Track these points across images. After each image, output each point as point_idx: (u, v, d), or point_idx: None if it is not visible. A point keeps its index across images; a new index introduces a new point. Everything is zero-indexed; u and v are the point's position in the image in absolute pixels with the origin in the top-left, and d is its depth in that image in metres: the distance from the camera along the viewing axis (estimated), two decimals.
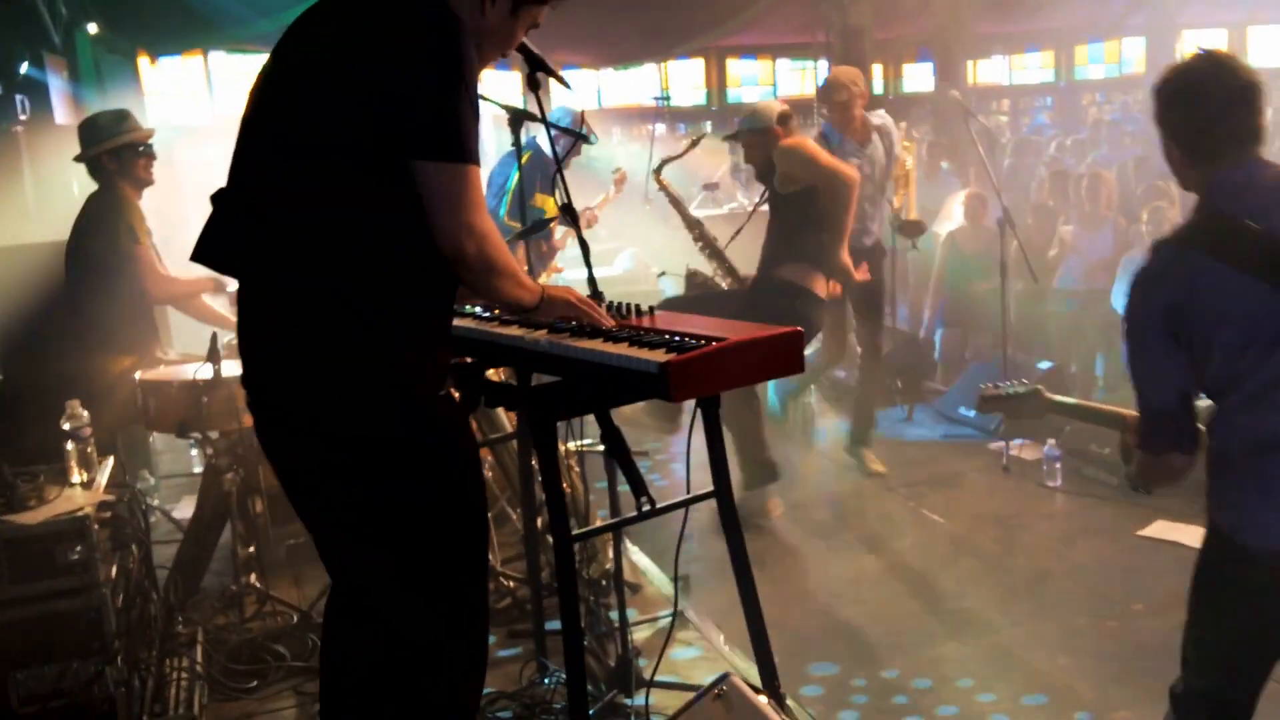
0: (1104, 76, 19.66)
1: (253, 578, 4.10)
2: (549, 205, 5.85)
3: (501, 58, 2.45)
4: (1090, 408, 2.94)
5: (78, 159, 4.57)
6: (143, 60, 9.66)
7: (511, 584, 4.18)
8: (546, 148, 5.80)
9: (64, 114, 7.19)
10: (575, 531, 2.52)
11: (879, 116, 5.94)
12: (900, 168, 6.19)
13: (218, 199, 2.27)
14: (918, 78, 17.60)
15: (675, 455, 6.43)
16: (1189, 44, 18.73)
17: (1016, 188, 9.08)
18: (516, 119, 4.04)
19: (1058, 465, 5.62)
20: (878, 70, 14.12)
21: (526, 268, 4.02)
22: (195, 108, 11.99)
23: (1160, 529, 4.95)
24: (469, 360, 2.83)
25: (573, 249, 3.46)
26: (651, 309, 2.69)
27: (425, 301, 2.20)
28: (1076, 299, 7.13)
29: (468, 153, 2.11)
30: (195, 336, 5.02)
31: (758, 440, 5.27)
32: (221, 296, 4.64)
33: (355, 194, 2.10)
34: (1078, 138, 12.31)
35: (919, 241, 7.15)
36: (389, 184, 2.09)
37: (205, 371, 3.78)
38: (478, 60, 2.25)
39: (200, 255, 2.27)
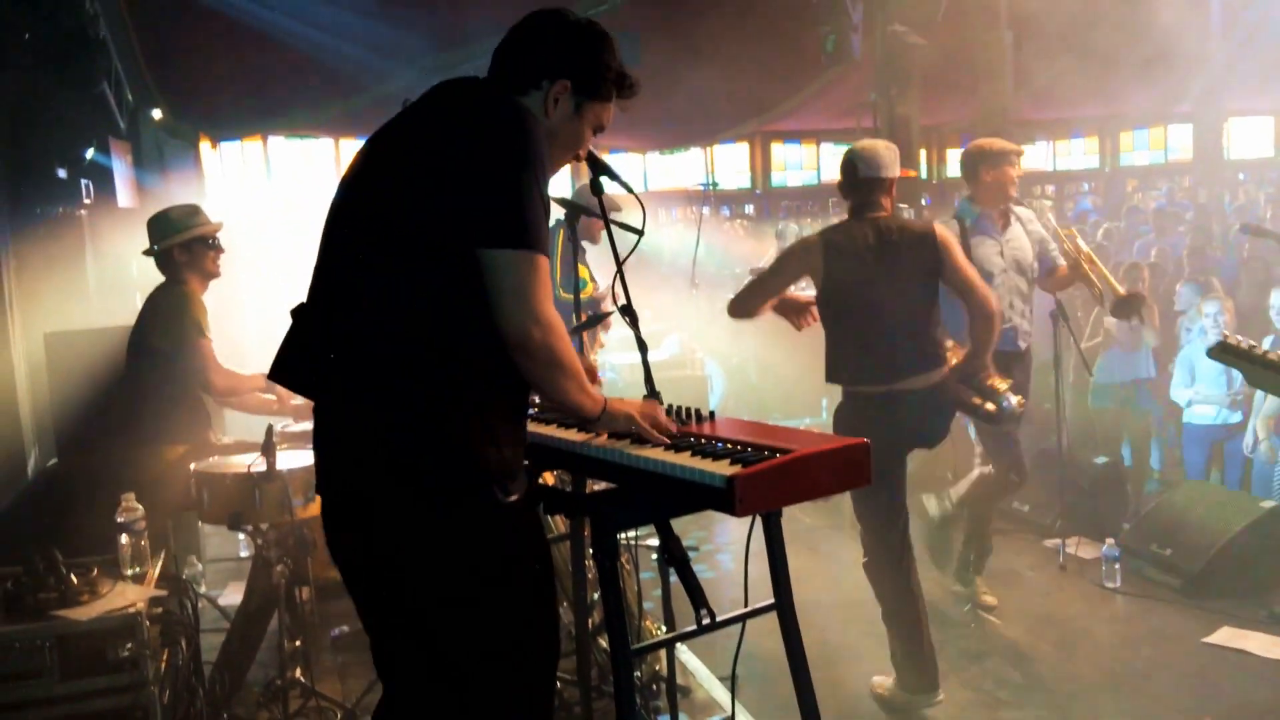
0: (1149, 163, 19.63)
1: (298, 672, 4.05)
2: (585, 274, 5.94)
3: (573, 160, 2.49)
4: None
5: (148, 252, 4.66)
6: (204, 144, 9.92)
7: (559, 684, 4.09)
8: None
9: (126, 197, 7.37)
10: (634, 646, 2.46)
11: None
12: (1069, 245, 5.22)
13: (298, 314, 2.29)
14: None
15: (721, 545, 6.35)
16: (1236, 131, 18.72)
17: None
18: (573, 213, 4.08)
19: (1116, 566, 5.46)
20: (923, 155, 14.16)
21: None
22: (255, 191, 12.27)
23: (1226, 636, 4.79)
24: (525, 462, 2.81)
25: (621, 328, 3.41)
26: (712, 414, 2.65)
27: (500, 400, 2.20)
28: (1122, 391, 7.01)
29: (537, 241, 2.13)
30: (246, 419, 5.07)
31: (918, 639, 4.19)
32: (275, 390, 4.67)
33: (429, 291, 2.12)
34: (1117, 224, 12.24)
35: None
36: (462, 278, 2.10)
37: (259, 464, 3.78)
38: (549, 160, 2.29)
39: (278, 374, 2.29)
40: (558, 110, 2.35)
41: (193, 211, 4.68)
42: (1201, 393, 6.37)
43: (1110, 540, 5.57)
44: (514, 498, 2.24)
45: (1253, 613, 4.96)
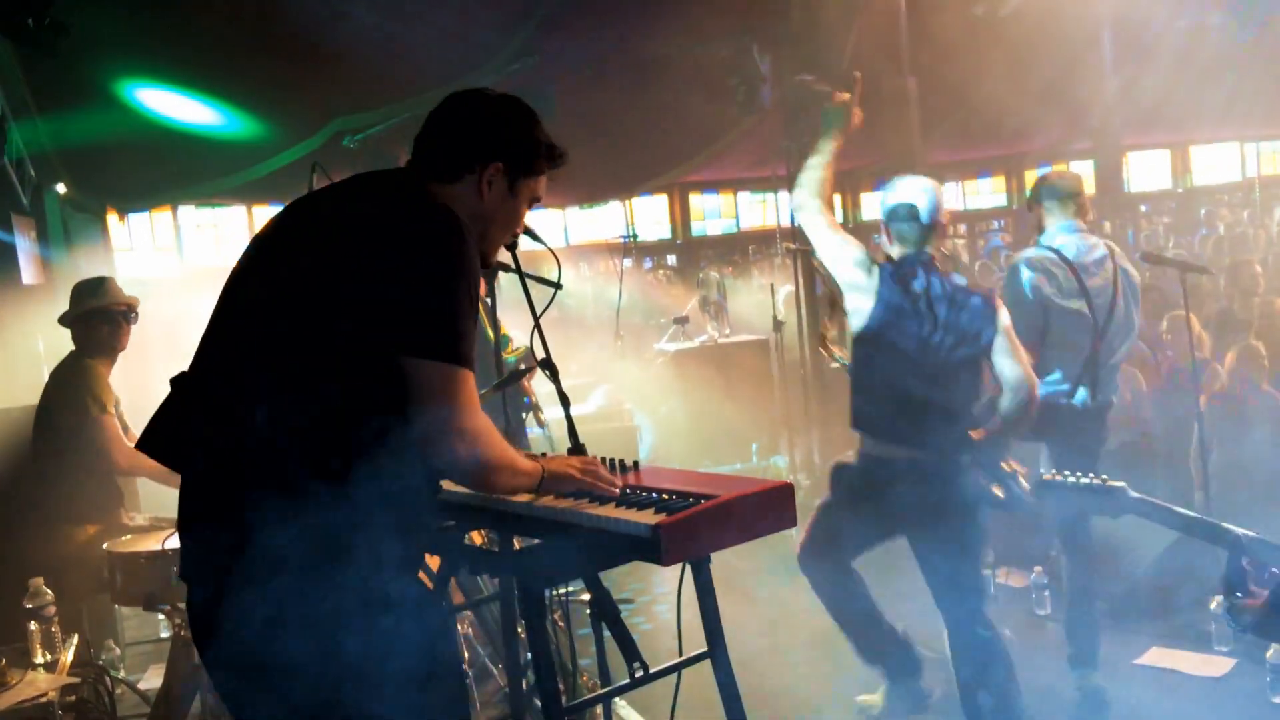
0: None
1: None
2: (505, 332, 5.88)
3: (512, 239, 2.45)
4: (1192, 516, 2.55)
5: (62, 319, 4.57)
6: (111, 217, 9.73)
7: None
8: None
9: (30, 274, 7.18)
10: (567, 704, 2.42)
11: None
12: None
13: (177, 383, 2.18)
14: (876, 206, 18.03)
15: (658, 596, 6.30)
16: (1135, 164, 19.42)
17: None
18: (490, 270, 4.06)
19: (1046, 593, 5.53)
20: (838, 200, 14.45)
21: (504, 423, 3.98)
22: (165, 261, 12.05)
23: (1156, 656, 4.86)
24: (450, 524, 2.76)
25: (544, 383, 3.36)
26: (636, 463, 2.64)
27: (394, 513, 2.06)
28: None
29: (467, 357, 2.05)
30: (164, 496, 4.92)
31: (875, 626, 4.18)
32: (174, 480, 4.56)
33: (333, 389, 2.00)
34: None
35: None
36: (373, 382, 2.00)
37: (174, 541, 3.66)
38: (489, 248, 2.27)
39: (148, 444, 2.16)
40: (492, 192, 2.30)
41: (97, 285, 4.61)
42: None
43: (1038, 568, 5.64)
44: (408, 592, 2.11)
45: (1180, 632, 5.04)
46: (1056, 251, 4.29)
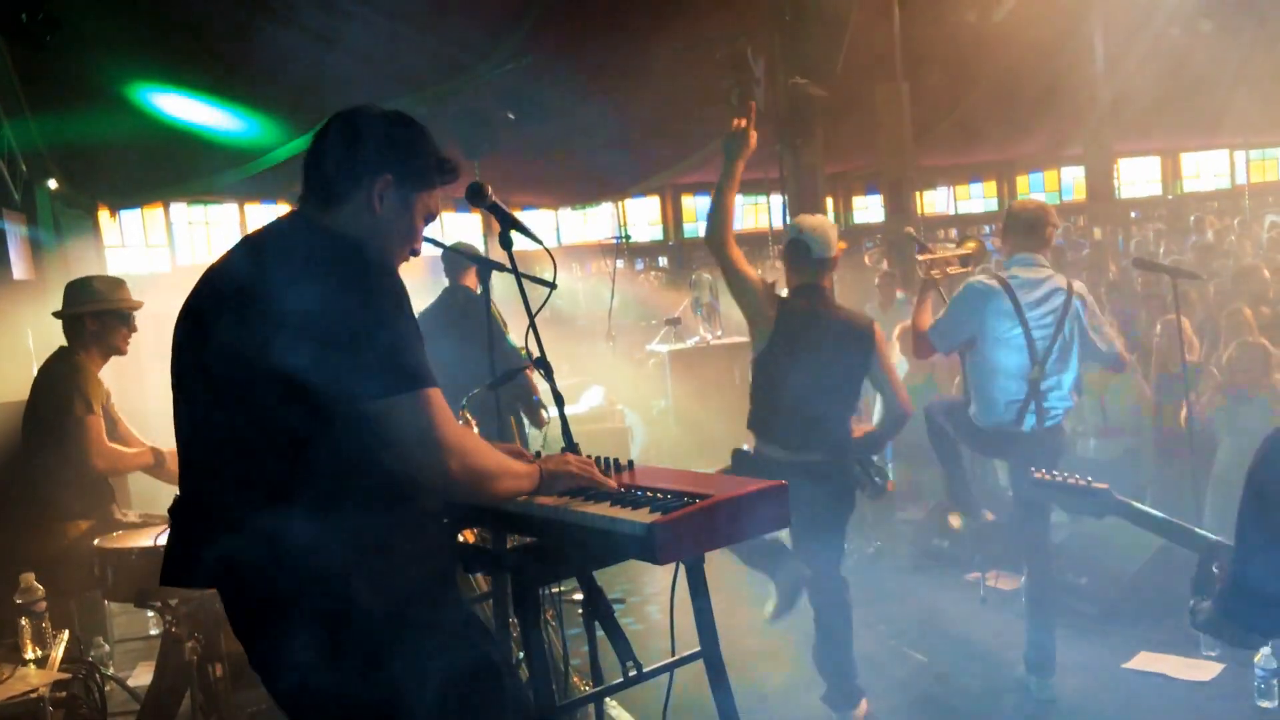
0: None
1: None
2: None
3: (410, 254, 2.38)
4: (1170, 522, 2.63)
5: (58, 314, 4.54)
6: (103, 213, 9.71)
7: None
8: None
9: (21, 269, 7.15)
10: (560, 703, 2.42)
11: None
12: None
13: (173, 512, 2.21)
14: (868, 209, 18.10)
15: (649, 597, 6.30)
16: (1126, 171, 19.51)
17: None
18: (485, 268, 4.07)
19: None
20: (830, 204, 14.49)
21: (497, 423, 3.98)
22: (156, 258, 12.01)
23: (1145, 660, 4.88)
24: (444, 521, 2.76)
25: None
26: (630, 463, 2.64)
27: (413, 532, 2.13)
28: None
29: (418, 378, 2.04)
30: (156, 492, 4.92)
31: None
32: (163, 469, 4.55)
33: (316, 451, 2.02)
34: None
35: None
36: (351, 431, 2.01)
37: (165, 536, 3.65)
38: (389, 263, 2.23)
39: (169, 579, 2.20)
40: (385, 205, 2.25)
41: (117, 284, 4.61)
42: (1085, 427, 6.60)
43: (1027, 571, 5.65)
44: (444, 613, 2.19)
45: (1169, 636, 5.06)
46: (1004, 281, 4.51)
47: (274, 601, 2.07)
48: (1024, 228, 4.62)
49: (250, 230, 2.33)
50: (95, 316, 4.49)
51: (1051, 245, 4.74)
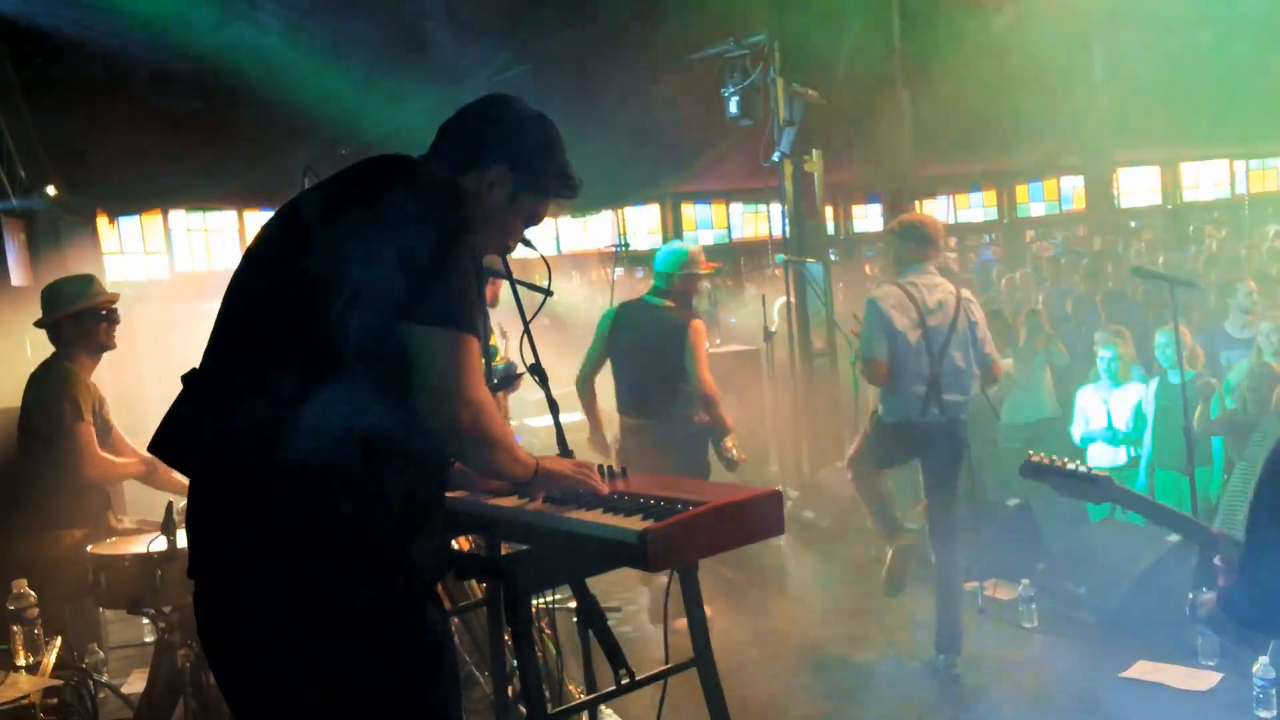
0: (1045, 213, 20.32)
1: None
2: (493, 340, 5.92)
3: (500, 250, 2.42)
4: (1170, 511, 2.63)
5: (38, 324, 4.51)
6: (101, 220, 9.71)
7: None
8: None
9: (20, 276, 7.16)
10: (552, 710, 2.41)
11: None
12: None
13: (189, 382, 2.15)
14: (868, 218, 18.09)
15: (645, 605, 6.28)
16: (1125, 180, 19.53)
17: None
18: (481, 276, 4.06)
19: (1033, 606, 5.54)
20: (829, 212, 14.50)
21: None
22: (155, 265, 12.00)
23: (1142, 670, 4.86)
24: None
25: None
26: (624, 470, 2.63)
27: (417, 483, 2.08)
28: (1027, 431, 7.22)
29: (470, 322, 2.02)
30: (153, 500, 4.90)
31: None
32: (155, 478, 4.51)
33: (341, 372, 1.98)
34: (1016, 274, 12.61)
35: None
36: (379, 355, 1.98)
37: (159, 543, 3.64)
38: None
39: (160, 448, 2.14)
40: (492, 195, 2.27)
41: (85, 282, 4.53)
42: (1090, 431, 6.60)
43: (1025, 581, 5.64)
44: (415, 586, 2.10)
45: (1166, 645, 5.04)
46: (905, 289, 5.00)
47: (247, 488, 2.01)
48: (917, 240, 5.12)
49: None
50: (71, 320, 4.45)
51: (942, 255, 5.31)
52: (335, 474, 1.97)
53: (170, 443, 2.13)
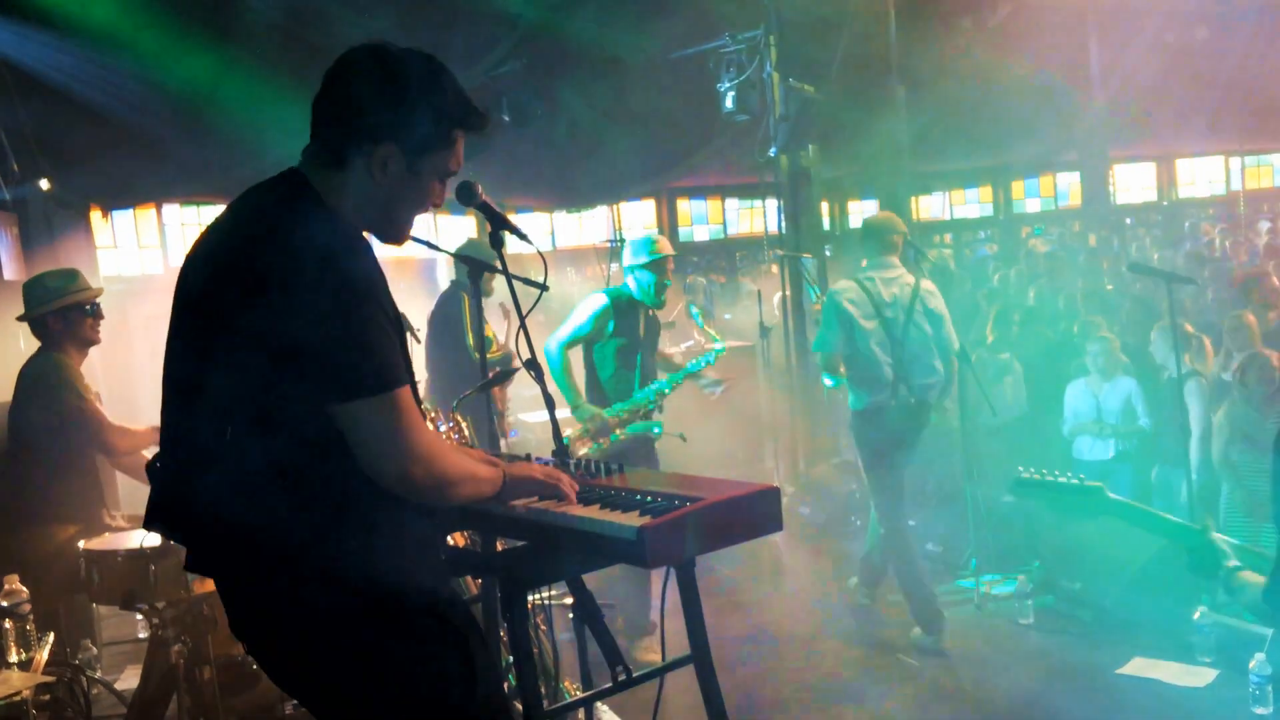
0: (1040, 210, 20.33)
1: None
2: (489, 332, 5.92)
3: (430, 210, 2.25)
4: (1165, 518, 2.63)
5: (21, 318, 4.48)
6: (95, 214, 9.66)
7: None
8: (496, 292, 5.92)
9: (13, 270, 7.12)
10: (548, 707, 2.39)
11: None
12: None
13: (150, 469, 2.17)
14: (863, 214, 18.05)
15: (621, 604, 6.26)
16: (1121, 176, 19.54)
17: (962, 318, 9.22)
18: (476, 270, 4.05)
19: (1029, 602, 5.53)
20: (825, 208, 14.50)
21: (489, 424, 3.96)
22: (149, 260, 11.96)
23: (1139, 666, 4.86)
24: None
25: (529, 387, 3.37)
26: (620, 466, 2.62)
27: (389, 526, 2.06)
28: (1016, 428, 7.24)
29: (389, 380, 1.96)
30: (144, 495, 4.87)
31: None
32: None
33: (292, 438, 1.96)
34: (1009, 270, 12.61)
35: None
36: (313, 422, 1.96)
37: (152, 539, 3.62)
38: (396, 230, 2.17)
39: (151, 524, 2.20)
40: (388, 175, 2.08)
41: (69, 276, 4.50)
42: (1078, 427, 6.60)
43: (1022, 577, 5.64)
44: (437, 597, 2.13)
45: (1163, 642, 5.04)
46: (861, 283, 5.37)
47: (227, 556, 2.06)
48: (876, 237, 5.51)
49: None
50: (56, 315, 4.42)
51: (900, 249, 5.54)
52: (299, 530, 1.99)
53: (159, 519, 2.17)
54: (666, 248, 5.34)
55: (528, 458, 2.52)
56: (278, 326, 1.92)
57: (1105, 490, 2.60)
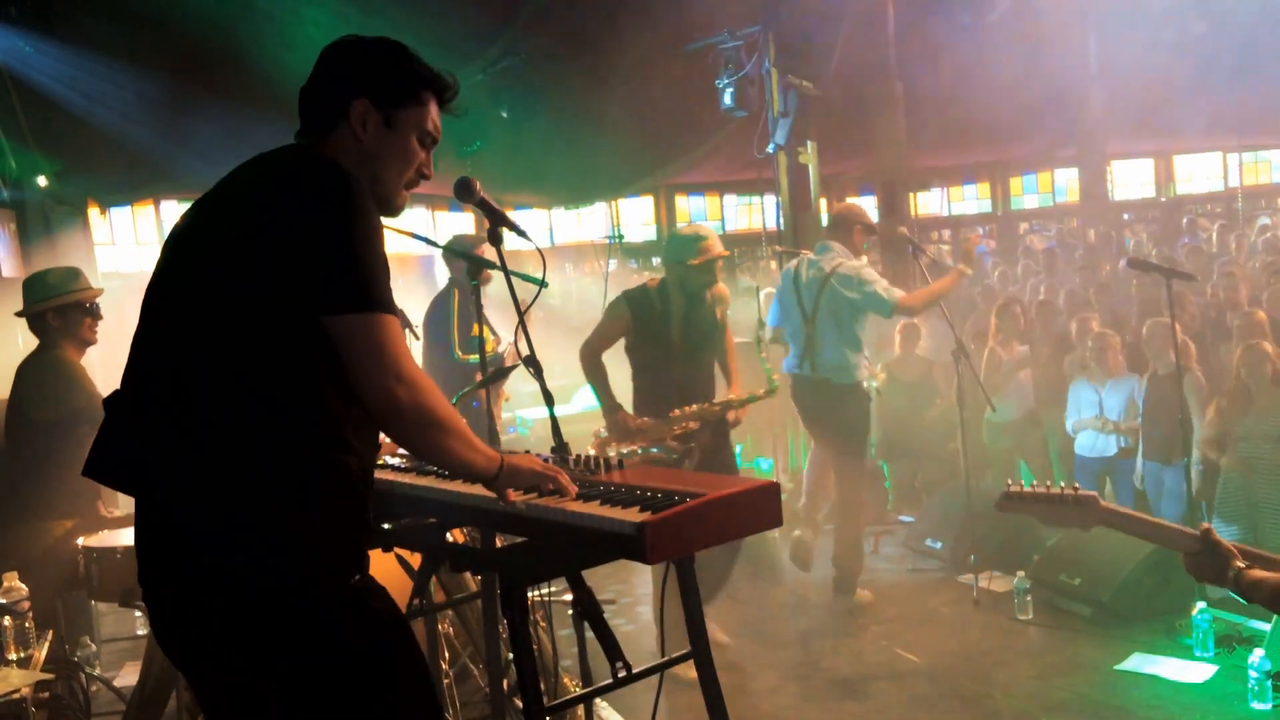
0: (1038, 206, 20.32)
1: None
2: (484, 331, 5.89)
3: (420, 179, 2.30)
4: (1162, 525, 2.58)
5: (20, 314, 4.47)
6: (93, 210, 9.65)
7: None
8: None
9: (10, 267, 7.12)
10: (549, 704, 2.39)
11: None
12: None
13: (112, 404, 2.11)
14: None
15: (640, 597, 6.27)
16: (1119, 173, 19.53)
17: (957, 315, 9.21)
18: (475, 266, 4.04)
19: (1028, 598, 5.53)
20: (823, 204, 14.49)
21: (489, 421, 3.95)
22: (147, 256, 11.94)
23: (1138, 662, 4.87)
24: (431, 520, 2.73)
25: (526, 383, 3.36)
26: (621, 461, 2.61)
27: (339, 477, 2.02)
28: (1016, 425, 7.26)
29: (382, 302, 2.01)
30: None
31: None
32: None
33: (261, 366, 1.97)
34: (1008, 268, 12.61)
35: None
36: (299, 350, 1.97)
37: None
38: (387, 191, 2.22)
39: (96, 472, 2.09)
40: (368, 131, 2.20)
41: (71, 275, 4.49)
42: (1081, 423, 6.60)
43: (1021, 573, 5.64)
44: (358, 580, 2.07)
45: (1161, 637, 5.05)
46: (796, 264, 6.03)
47: (187, 515, 1.98)
48: (833, 223, 6.14)
49: None
50: (56, 312, 4.41)
51: (856, 238, 5.96)
52: (255, 482, 1.95)
53: (105, 466, 2.08)
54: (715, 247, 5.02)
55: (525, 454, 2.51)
56: (282, 241, 1.96)
57: (1099, 500, 2.57)
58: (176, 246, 2.16)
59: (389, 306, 2.02)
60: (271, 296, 1.96)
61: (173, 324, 2.06)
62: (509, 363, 5.38)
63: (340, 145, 2.20)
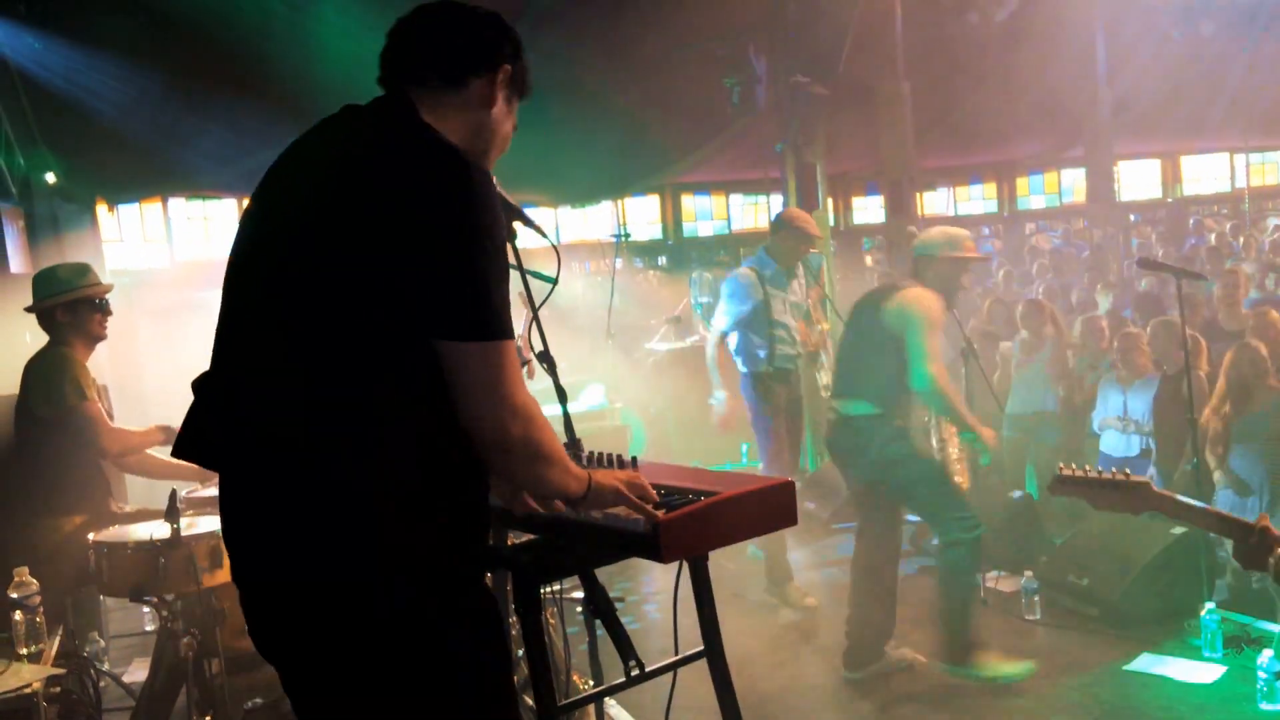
0: (1045, 206, 20.28)
1: None
2: None
3: (497, 156, 2.18)
4: (1217, 513, 2.55)
5: (30, 309, 4.48)
6: (101, 208, 9.67)
7: None
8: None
9: (19, 263, 7.13)
10: (561, 702, 2.39)
11: None
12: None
13: (200, 386, 2.00)
14: (867, 210, 18.04)
15: (648, 595, 6.28)
16: (1126, 173, 19.51)
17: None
18: None
19: (1036, 598, 5.52)
20: (829, 203, 14.50)
21: None
22: (155, 253, 11.95)
23: (1146, 662, 4.86)
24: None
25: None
26: (634, 459, 2.61)
27: (452, 490, 1.91)
28: (1025, 423, 7.24)
29: (504, 328, 1.85)
30: (150, 486, 4.88)
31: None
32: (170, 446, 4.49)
33: (365, 372, 1.83)
34: (1016, 268, 12.61)
35: None
36: (405, 361, 1.82)
37: (162, 531, 3.62)
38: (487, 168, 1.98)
39: (185, 451, 1.99)
40: (496, 101, 2.06)
41: (81, 271, 4.49)
42: (1105, 422, 6.60)
43: (1029, 572, 5.63)
44: (475, 591, 2.01)
45: (1170, 638, 5.04)
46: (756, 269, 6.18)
47: (284, 494, 1.86)
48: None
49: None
50: (66, 308, 4.41)
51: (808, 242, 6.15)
52: (359, 485, 1.83)
53: (196, 444, 1.99)
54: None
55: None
56: (398, 251, 1.79)
57: (1152, 485, 2.54)
58: (268, 219, 1.99)
59: (507, 331, 1.86)
60: (388, 307, 1.81)
61: (264, 317, 1.91)
62: (522, 358, 5.37)
63: (458, 108, 2.03)
